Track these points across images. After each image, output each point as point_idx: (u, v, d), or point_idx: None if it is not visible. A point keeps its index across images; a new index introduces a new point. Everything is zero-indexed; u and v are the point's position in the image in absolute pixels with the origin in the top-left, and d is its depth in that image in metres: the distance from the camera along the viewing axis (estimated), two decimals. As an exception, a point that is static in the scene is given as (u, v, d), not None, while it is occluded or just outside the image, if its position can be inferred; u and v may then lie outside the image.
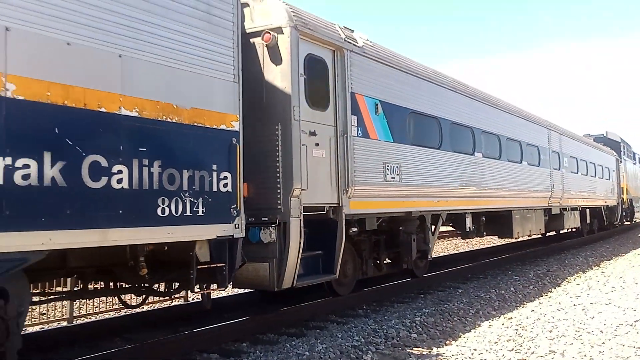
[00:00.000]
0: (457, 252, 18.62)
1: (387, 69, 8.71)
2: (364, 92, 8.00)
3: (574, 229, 20.01)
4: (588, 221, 21.57)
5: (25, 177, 4.02)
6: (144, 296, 6.48)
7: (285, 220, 6.48)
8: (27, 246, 4.05)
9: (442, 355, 6.14)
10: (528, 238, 18.12)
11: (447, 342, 6.78)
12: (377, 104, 8.25)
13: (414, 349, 6.47)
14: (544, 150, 16.15)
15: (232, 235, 5.66)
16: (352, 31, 8.25)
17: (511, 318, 8.03)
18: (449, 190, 10.19)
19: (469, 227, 11.24)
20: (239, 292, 9.26)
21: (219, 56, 5.65)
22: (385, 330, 7.15)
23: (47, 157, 4.16)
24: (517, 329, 7.29)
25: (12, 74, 4.01)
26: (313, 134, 6.99)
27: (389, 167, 8.32)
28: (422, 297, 9.49)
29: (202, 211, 5.33)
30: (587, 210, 21.29)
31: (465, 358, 6.02)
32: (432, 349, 6.44)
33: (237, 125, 5.79)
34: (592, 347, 6.39)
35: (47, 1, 4.25)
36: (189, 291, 7.20)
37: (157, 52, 5.05)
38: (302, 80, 6.86)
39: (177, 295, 8.51)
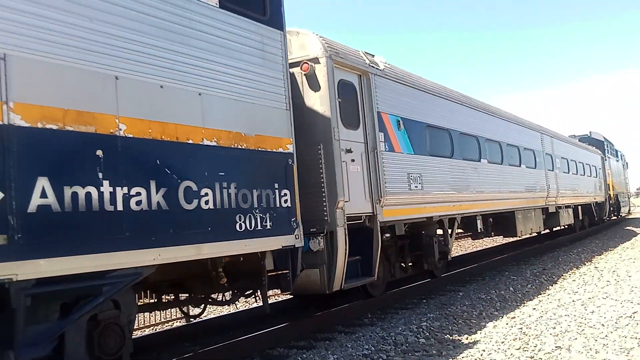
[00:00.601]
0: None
1: (405, 88, 9.56)
2: (387, 110, 8.82)
3: (568, 226, 21.01)
4: (580, 217, 22.62)
5: (138, 203, 4.73)
6: (202, 306, 7.16)
7: (332, 229, 7.23)
8: (142, 262, 4.75)
9: (452, 358, 6.23)
10: (518, 239, 18.64)
11: (455, 344, 6.88)
12: (399, 121, 9.08)
13: (424, 353, 6.56)
14: (539, 153, 17.14)
15: (294, 245, 6.39)
16: (373, 56, 9.08)
17: (514, 317, 8.21)
18: (461, 195, 11.03)
19: (480, 229, 12.08)
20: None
21: (274, 88, 6.41)
22: (393, 337, 7.25)
23: (152, 185, 4.87)
24: (521, 328, 7.44)
25: (123, 116, 4.72)
26: (349, 151, 7.77)
27: (412, 177, 9.13)
28: (425, 302, 9.60)
29: (270, 225, 6.05)
30: (579, 207, 22.34)
31: (476, 359, 6.12)
32: (441, 353, 6.52)
33: (291, 148, 6.54)
34: (596, 340, 6.54)
35: (146, 52, 4.98)
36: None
37: (226, 88, 5.79)
38: (337, 104, 7.65)
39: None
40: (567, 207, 19.86)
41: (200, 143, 5.42)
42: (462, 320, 8.27)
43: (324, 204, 7.24)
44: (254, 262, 6.12)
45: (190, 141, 5.32)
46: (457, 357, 6.22)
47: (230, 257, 5.91)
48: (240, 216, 5.69)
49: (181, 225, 5.08)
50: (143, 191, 4.78)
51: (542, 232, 19.86)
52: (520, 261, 15.12)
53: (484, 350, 6.39)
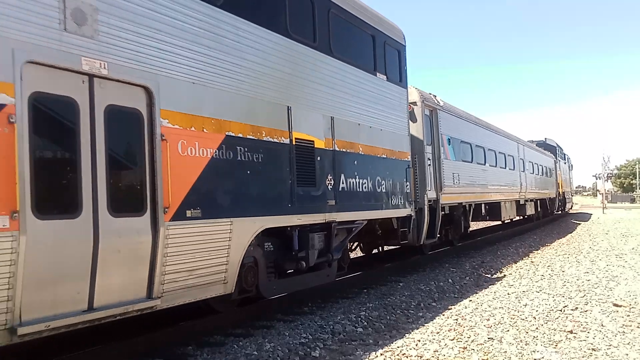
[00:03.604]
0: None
1: (450, 115, 14.53)
2: (444, 132, 13.76)
3: (530, 216, 26.74)
4: (539, 209, 28.49)
5: (366, 187, 9.42)
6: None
7: (421, 207, 12.11)
8: (366, 217, 9.46)
9: (387, 347, 6.32)
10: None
11: (392, 334, 7.01)
12: (448, 138, 14.05)
13: (361, 342, 6.66)
14: (516, 158, 22.59)
15: (410, 214, 11.25)
16: (435, 96, 13.96)
17: (450, 308, 8.42)
18: (476, 188, 16.17)
19: (484, 213, 17.33)
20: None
21: (402, 123, 11.16)
22: (331, 326, 7.37)
23: (368, 178, 9.55)
24: (457, 319, 7.57)
25: (338, 139, 9.06)
26: (429, 159, 12.66)
27: (455, 176, 14.13)
28: (365, 292, 9.84)
29: (401, 202, 10.85)
30: (538, 202, 28.18)
31: (410, 349, 6.19)
32: (378, 342, 6.61)
33: (409, 158, 11.34)
34: (527, 332, 6.70)
35: (350, 109, 9.56)
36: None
37: (388, 125, 10.48)
38: (426, 130, 12.51)
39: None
40: (532, 200, 25.54)
41: (379, 155, 10.13)
42: (400, 310, 8.48)
43: (417, 192, 12.09)
44: (391, 224, 10.92)
45: (379, 155, 10.03)
46: (392, 347, 6.33)
47: (382, 220, 10.68)
48: (391, 196, 10.47)
49: (375, 199, 9.82)
50: (366, 181, 9.49)
51: (514, 219, 25.16)
52: (461, 254, 15.39)
53: (419, 341, 6.52)
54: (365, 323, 7.62)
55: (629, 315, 7.52)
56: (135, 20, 5.45)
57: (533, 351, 5.95)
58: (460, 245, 16.20)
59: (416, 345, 6.35)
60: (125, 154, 5.40)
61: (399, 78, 11.13)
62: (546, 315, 7.60)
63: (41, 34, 4.61)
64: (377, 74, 10.22)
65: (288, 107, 7.58)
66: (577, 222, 31.89)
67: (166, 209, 5.55)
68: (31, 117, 4.49)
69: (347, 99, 9.12)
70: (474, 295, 9.53)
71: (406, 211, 11.09)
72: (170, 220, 5.60)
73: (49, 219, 4.60)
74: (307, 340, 6.75)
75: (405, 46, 11.40)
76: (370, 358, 5.98)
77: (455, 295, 9.74)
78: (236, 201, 6.52)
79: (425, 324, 7.43)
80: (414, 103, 12.32)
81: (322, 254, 8.39)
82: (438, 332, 6.90)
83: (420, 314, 8.19)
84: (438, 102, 13.66)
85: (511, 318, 7.50)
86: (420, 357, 5.92)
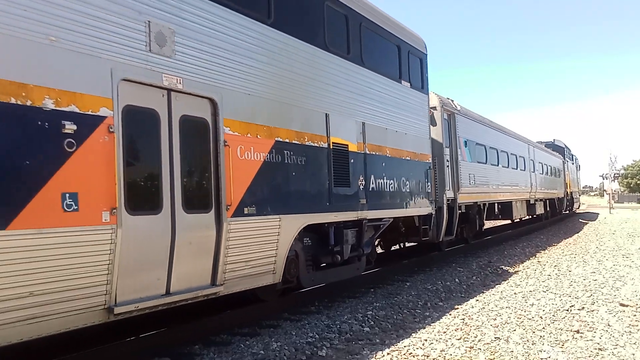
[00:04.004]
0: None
1: (465, 119, 15.20)
2: (460, 134, 14.45)
3: (539, 215, 27.36)
4: (548, 209, 29.11)
5: (392, 187, 10.13)
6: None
7: (440, 206, 12.81)
8: (392, 215, 10.18)
9: (394, 346, 6.30)
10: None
11: (399, 333, 7.00)
12: (465, 141, 14.73)
13: (367, 342, 6.65)
14: (526, 159, 23.23)
15: (431, 212, 11.95)
16: (453, 100, 14.64)
17: (457, 308, 8.40)
18: (489, 188, 16.84)
19: (497, 212, 18.00)
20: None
21: (424, 127, 11.86)
22: (338, 326, 7.35)
23: (394, 179, 10.26)
24: (463, 318, 7.56)
25: (368, 143, 9.82)
26: (447, 160, 13.35)
27: (470, 176, 14.81)
28: (372, 292, 9.85)
29: (423, 201, 11.55)
30: (547, 201, 28.80)
31: (417, 348, 6.17)
32: (384, 341, 6.60)
33: (430, 159, 12.03)
34: (534, 332, 6.68)
35: (380, 116, 10.30)
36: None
37: (412, 130, 11.19)
38: (444, 134, 13.20)
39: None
40: (541, 200, 26.17)
41: (404, 158, 10.84)
42: (407, 310, 8.48)
43: (437, 191, 12.79)
44: (412, 222, 11.63)
45: (405, 157, 10.74)
46: (399, 346, 6.33)
47: (405, 217, 11.39)
48: (413, 196, 11.17)
49: (400, 198, 10.53)
50: (393, 182, 10.20)
51: (524, 219, 25.77)
52: (468, 253, 15.41)
53: (425, 340, 6.53)
54: (372, 322, 7.65)
55: (635, 315, 7.55)
56: (203, 40, 6.18)
57: (540, 351, 5.95)
58: (466, 245, 16.34)
59: (423, 344, 6.38)
60: (195, 158, 6.12)
61: (421, 85, 11.83)
62: (553, 315, 7.61)
63: (132, 55, 5.35)
64: (402, 81, 10.92)
65: (326, 114, 8.30)
66: (584, 221, 32.29)
67: (228, 207, 6.29)
68: (123, 127, 5.22)
69: (376, 105, 9.83)
70: (481, 294, 9.58)
71: (428, 210, 11.79)
72: (231, 217, 6.33)
73: (138, 215, 5.34)
74: (313, 339, 6.76)
75: (426, 54, 12.10)
76: (377, 357, 6.02)
77: (462, 295, 9.79)
78: (284, 200, 7.25)
79: (432, 324, 7.45)
80: (434, 108, 13.01)
81: (354, 249, 9.10)
82: (445, 332, 6.92)
83: (427, 314, 8.23)
84: (455, 106, 14.36)
85: (518, 318, 7.53)
86: (427, 356, 5.97)
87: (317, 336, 6.87)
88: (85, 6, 4.96)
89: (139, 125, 5.48)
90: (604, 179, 76.62)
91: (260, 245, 6.89)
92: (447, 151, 13.45)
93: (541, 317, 7.49)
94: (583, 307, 8.13)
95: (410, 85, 11.24)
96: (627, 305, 8.11)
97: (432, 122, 12.92)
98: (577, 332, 6.76)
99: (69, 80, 4.74)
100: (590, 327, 6.95)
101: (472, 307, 8.41)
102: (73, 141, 4.70)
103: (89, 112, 4.87)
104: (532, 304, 8.39)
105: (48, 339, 4.93)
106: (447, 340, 6.48)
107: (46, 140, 4.53)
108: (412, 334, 6.89)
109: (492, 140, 17.63)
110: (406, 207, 10.78)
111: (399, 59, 10.89)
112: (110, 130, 5.04)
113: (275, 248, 7.14)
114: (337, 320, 7.71)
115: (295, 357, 6.12)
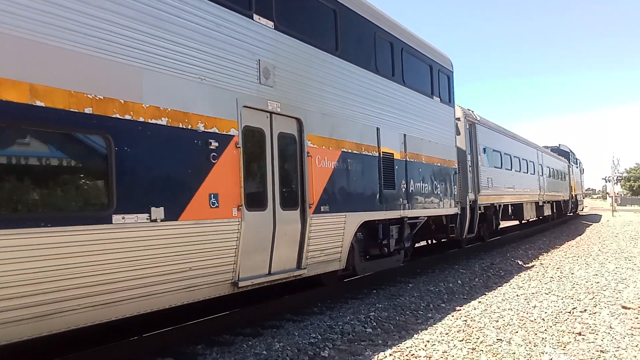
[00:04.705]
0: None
1: (483, 127, 16.74)
2: (480, 142, 15.99)
3: (546, 216, 28.85)
4: (555, 211, 30.63)
5: (426, 189, 11.67)
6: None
7: (464, 206, 14.34)
8: (427, 214, 11.71)
9: (396, 348, 6.29)
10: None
11: (401, 335, 6.99)
12: (484, 148, 16.27)
13: (370, 343, 6.64)
14: (535, 164, 24.75)
15: (457, 212, 13.48)
16: (473, 111, 16.18)
17: (460, 309, 8.34)
18: (504, 191, 18.37)
19: (510, 213, 19.55)
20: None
21: (451, 135, 13.39)
22: (341, 327, 7.34)
23: (428, 182, 11.80)
24: (466, 320, 7.53)
25: (408, 152, 11.40)
26: (470, 166, 14.89)
27: (488, 180, 16.34)
28: (375, 293, 9.83)
29: (449, 202, 13.07)
30: (554, 203, 30.31)
31: (419, 350, 6.14)
32: (387, 342, 6.60)
33: (456, 165, 13.56)
34: (536, 334, 6.65)
35: (416, 127, 11.83)
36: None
37: (442, 139, 12.71)
38: (467, 142, 14.75)
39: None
40: (548, 202, 27.68)
41: (435, 164, 12.37)
42: (410, 311, 8.47)
43: (460, 193, 14.32)
44: (441, 221, 13.16)
45: (436, 164, 12.28)
46: (402, 347, 6.33)
47: (436, 216, 12.90)
48: (443, 197, 12.70)
49: (433, 200, 12.06)
50: (427, 185, 11.74)
51: (532, 220, 27.05)
52: (471, 255, 15.39)
53: (428, 341, 6.50)
54: (375, 323, 7.68)
55: (637, 318, 7.56)
56: (292, 71, 7.74)
57: (542, 352, 5.94)
58: (469, 247, 16.52)
59: (425, 346, 6.40)
60: (287, 166, 7.67)
61: (449, 99, 13.37)
62: (555, 317, 7.60)
63: (249, 87, 6.90)
64: (434, 96, 12.46)
65: (377, 128, 9.84)
66: (587, 223, 33.10)
67: (310, 205, 7.83)
68: (243, 143, 6.76)
69: (414, 118, 11.38)
70: (483, 296, 9.57)
71: (454, 210, 13.32)
72: (312, 213, 7.88)
73: (253, 211, 6.88)
74: (316, 340, 6.79)
75: (453, 72, 13.65)
76: (379, 358, 6.08)
77: (465, 297, 9.80)
78: (348, 200, 8.79)
79: (434, 325, 7.46)
80: (458, 119, 14.54)
81: (397, 243, 10.63)
82: (447, 333, 6.93)
83: (430, 315, 8.27)
84: (476, 117, 15.91)
85: (520, 319, 7.53)
86: (429, 357, 6.00)
87: (319, 337, 6.94)
88: (220, 51, 6.51)
89: (253, 142, 7.03)
90: (607, 181, 77.97)
91: (332, 237, 8.42)
92: (469, 157, 14.98)
93: (543, 319, 7.50)
94: (585, 310, 8.15)
95: (440, 100, 12.77)
96: (629, 308, 8.13)
97: (457, 131, 14.45)
98: (579, 334, 6.77)
99: (212, 108, 6.30)
100: (592, 330, 6.96)
101: (475, 309, 8.42)
102: (216, 154, 6.25)
103: (224, 132, 6.42)
104: (535, 306, 8.40)
105: (48, 339, 5.02)
106: (449, 342, 6.52)
107: (200, 154, 6.08)
108: (415, 335, 6.93)
109: (506, 147, 19.16)
110: (438, 208, 12.31)
111: (430, 77, 12.43)
112: (237, 146, 6.58)
113: (342, 240, 8.68)
114: (339, 321, 7.78)
115: (297, 358, 6.21)
